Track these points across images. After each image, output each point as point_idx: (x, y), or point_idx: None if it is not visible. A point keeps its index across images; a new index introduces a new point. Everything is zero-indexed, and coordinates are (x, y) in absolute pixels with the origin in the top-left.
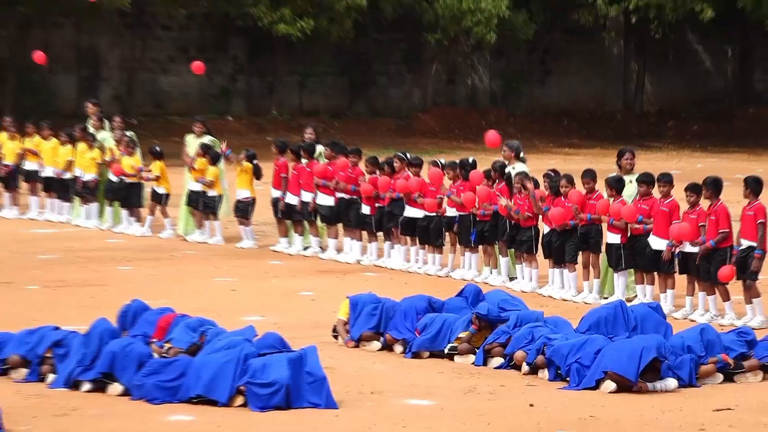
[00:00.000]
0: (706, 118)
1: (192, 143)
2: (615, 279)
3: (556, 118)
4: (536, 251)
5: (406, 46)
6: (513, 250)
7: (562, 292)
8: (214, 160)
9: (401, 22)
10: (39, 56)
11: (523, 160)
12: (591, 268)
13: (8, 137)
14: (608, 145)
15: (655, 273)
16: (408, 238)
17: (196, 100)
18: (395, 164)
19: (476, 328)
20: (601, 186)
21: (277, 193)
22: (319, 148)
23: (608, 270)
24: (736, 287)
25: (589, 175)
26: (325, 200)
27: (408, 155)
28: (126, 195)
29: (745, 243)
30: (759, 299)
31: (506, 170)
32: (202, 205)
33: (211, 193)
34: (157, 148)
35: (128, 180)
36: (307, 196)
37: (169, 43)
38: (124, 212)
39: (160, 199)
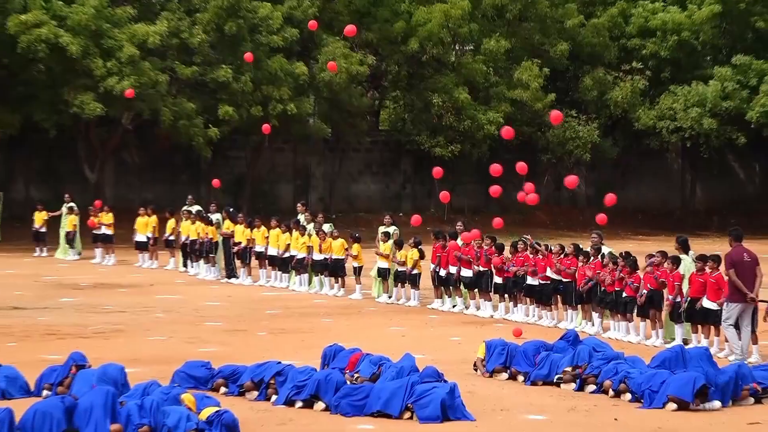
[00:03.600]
0: (740, 214)
1: (381, 231)
2: (675, 329)
3: (632, 215)
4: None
5: (526, 162)
6: (604, 308)
7: (638, 338)
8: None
9: (522, 145)
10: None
11: (603, 244)
12: (657, 321)
13: (243, 227)
14: (669, 233)
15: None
16: (528, 299)
17: (378, 202)
18: (519, 245)
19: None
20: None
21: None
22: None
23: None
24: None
25: (660, 254)
26: (466, 272)
27: (526, 239)
28: (333, 268)
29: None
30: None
31: (601, 251)
32: (392, 277)
33: (401, 268)
34: (357, 235)
35: (335, 256)
36: (453, 269)
37: (358, 161)
38: (328, 280)
39: (356, 271)
